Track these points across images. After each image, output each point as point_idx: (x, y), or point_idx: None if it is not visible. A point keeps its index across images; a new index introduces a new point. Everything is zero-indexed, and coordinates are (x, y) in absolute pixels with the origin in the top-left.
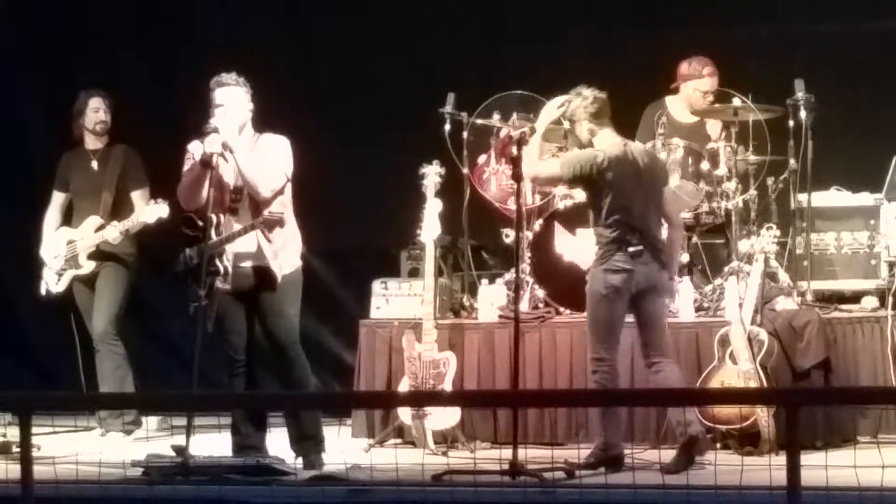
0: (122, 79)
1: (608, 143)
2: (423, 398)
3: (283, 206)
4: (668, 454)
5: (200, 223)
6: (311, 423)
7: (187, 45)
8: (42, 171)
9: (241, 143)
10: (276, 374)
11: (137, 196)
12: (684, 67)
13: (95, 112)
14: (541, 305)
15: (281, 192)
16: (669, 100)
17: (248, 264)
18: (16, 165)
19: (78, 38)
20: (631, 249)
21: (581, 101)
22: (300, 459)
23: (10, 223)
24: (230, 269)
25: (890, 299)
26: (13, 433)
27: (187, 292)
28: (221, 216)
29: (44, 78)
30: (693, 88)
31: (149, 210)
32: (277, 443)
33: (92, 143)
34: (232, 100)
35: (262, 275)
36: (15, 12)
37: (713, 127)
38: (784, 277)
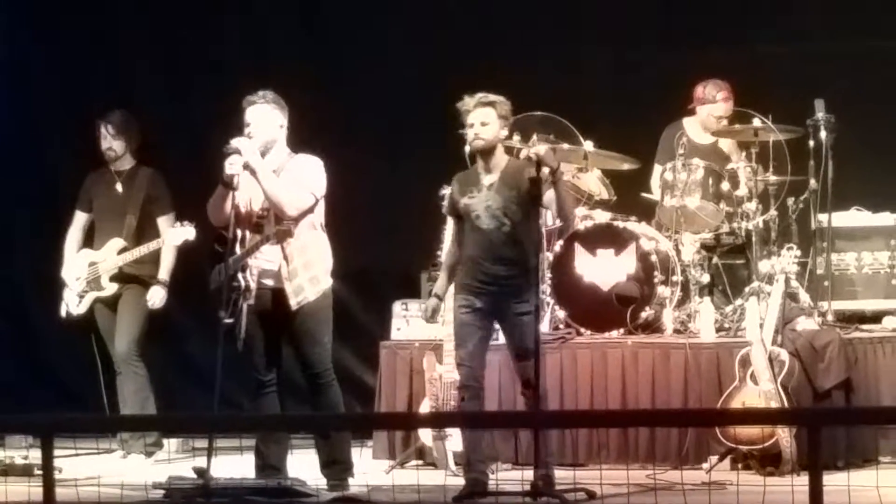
0: (143, 100)
1: None
2: (444, 419)
3: (312, 226)
4: (689, 475)
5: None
6: (341, 447)
7: (210, 71)
8: (63, 193)
9: (269, 163)
10: (309, 399)
11: (163, 221)
12: (699, 91)
13: (103, 139)
14: (561, 326)
15: (310, 211)
16: (687, 121)
17: (269, 283)
18: (36, 186)
19: (99, 60)
20: None
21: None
22: (323, 481)
23: (30, 244)
24: (253, 286)
25: None
26: (35, 455)
27: (218, 310)
28: (247, 233)
29: (64, 99)
30: (707, 113)
31: (175, 233)
32: (299, 464)
33: (117, 164)
34: (259, 118)
35: (280, 296)
36: (36, 33)
37: (728, 146)
38: (805, 297)
